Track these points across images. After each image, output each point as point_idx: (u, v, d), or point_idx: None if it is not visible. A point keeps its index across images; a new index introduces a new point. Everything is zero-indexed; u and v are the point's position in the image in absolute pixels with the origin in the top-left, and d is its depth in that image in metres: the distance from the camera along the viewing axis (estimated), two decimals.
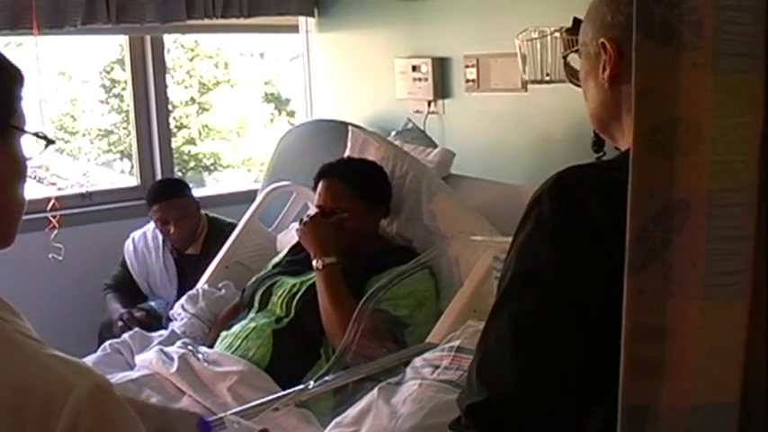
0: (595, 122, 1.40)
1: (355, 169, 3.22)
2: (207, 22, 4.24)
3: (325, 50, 4.69)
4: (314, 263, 2.94)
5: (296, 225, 3.61)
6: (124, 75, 4.86)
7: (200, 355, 2.86)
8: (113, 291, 3.88)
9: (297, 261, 3.19)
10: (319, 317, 2.86)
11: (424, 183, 3.25)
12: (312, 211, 3.18)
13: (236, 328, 3.01)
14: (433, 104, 4.13)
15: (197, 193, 4.15)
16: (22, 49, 4.41)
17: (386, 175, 3.23)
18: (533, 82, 3.39)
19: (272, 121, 6.78)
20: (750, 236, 1.02)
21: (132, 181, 4.65)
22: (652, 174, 1.01)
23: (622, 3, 1.27)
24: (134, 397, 2.36)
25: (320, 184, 3.16)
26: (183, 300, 3.45)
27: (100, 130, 6.05)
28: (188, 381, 2.75)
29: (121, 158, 5.82)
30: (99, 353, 3.14)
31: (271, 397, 2.51)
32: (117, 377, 2.78)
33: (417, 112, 4.18)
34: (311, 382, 2.54)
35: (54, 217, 3.74)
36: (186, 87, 6.44)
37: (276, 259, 3.33)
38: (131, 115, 4.54)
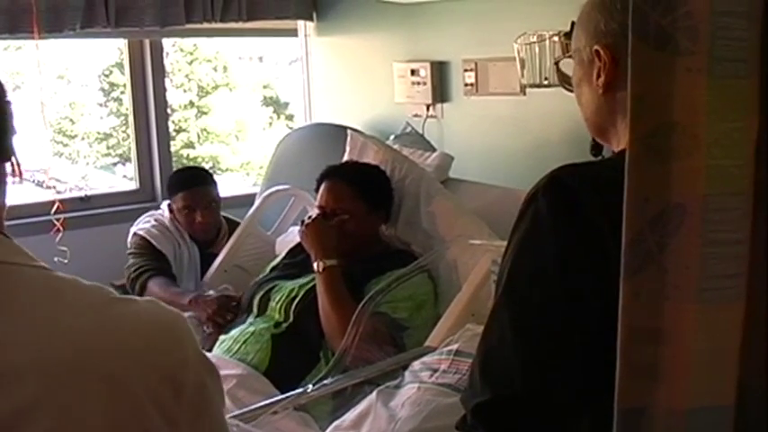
0: (591, 127, 1.41)
1: (358, 172, 3.23)
2: (206, 25, 4.24)
3: (323, 54, 4.70)
4: (314, 265, 2.95)
5: (295, 228, 3.62)
6: (123, 78, 4.87)
7: None
8: (158, 275, 3.57)
9: (294, 264, 3.20)
10: (318, 320, 2.86)
11: (423, 186, 3.26)
12: (313, 212, 3.18)
13: (234, 332, 3.01)
14: (431, 108, 4.14)
15: None
16: (21, 53, 4.42)
17: (388, 180, 3.24)
18: (532, 86, 3.40)
19: (270, 124, 6.80)
20: (745, 240, 1.03)
21: (131, 184, 4.66)
22: (648, 178, 1.01)
23: (615, 10, 1.28)
24: None
25: (323, 185, 3.17)
26: None
27: (99, 133, 6.06)
28: None
29: (123, 163, 5.83)
30: None
31: (270, 400, 2.51)
32: None
33: (416, 115, 4.18)
34: (310, 386, 2.54)
35: (58, 220, 3.73)
36: (185, 91, 6.46)
37: (274, 262, 3.34)
38: (130, 119, 4.55)
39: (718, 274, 1.02)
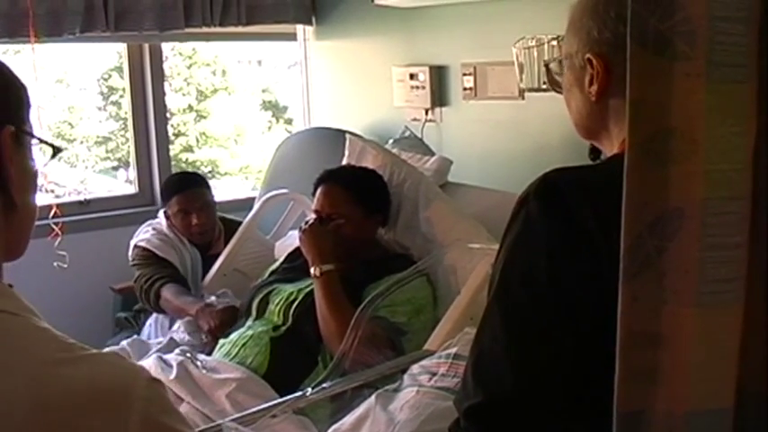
0: (581, 131, 1.41)
1: (355, 176, 3.23)
2: (205, 29, 4.25)
3: (322, 58, 4.70)
4: (312, 270, 2.95)
5: (294, 232, 3.62)
6: (122, 82, 4.88)
7: (198, 363, 2.86)
8: (170, 282, 3.56)
9: (293, 268, 3.20)
10: (317, 324, 2.86)
11: (422, 191, 3.26)
12: (310, 217, 3.19)
13: (234, 335, 3.01)
14: (430, 112, 4.15)
15: None
16: (20, 57, 4.42)
17: (385, 184, 3.24)
18: (530, 90, 3.41)
19: (269, 128, 6.80)
20: (744, 244, 1.03)
21: (130, 188, 4.66)
22: (646, 182, 1.01)
23: (609, 18, 1.27)
24: None
25: (319, 190, 3.17)
26: None
27: (98, 137, 6.06)
28: (187, 388, 2.75)
29: (126, 168, 5.83)
30: None
31: (269, 404, 2.51)
32: None
33: (415, 119, 4.19)
34: (309, 389, 2.54)
35: (57, 225, 3.73)
36: (184, 95, 6.46)
37: (273, 266, 3.34)
38: (129, 122, 4.55)
39: (717, 278, 1.02)
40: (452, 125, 4.11)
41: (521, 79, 3.38)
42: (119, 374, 1.04)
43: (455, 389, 2.29)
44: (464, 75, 3.98)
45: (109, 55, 5.55)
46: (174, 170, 4.62)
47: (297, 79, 4.89)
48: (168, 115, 4.87)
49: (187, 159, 6.45)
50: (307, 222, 3.13)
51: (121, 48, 4.51)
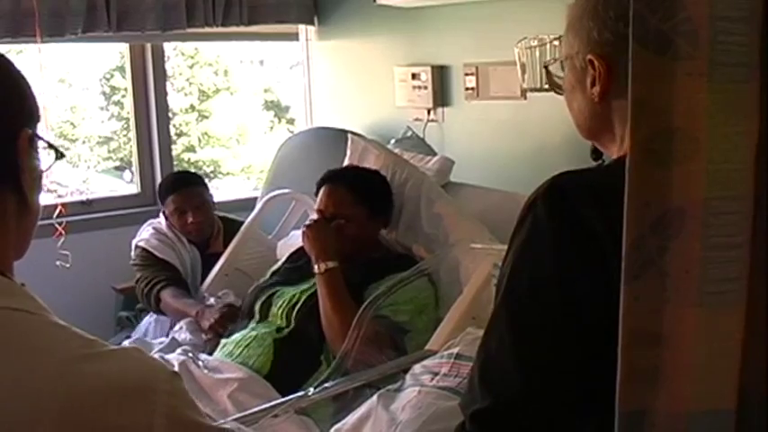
0: (583, 132, 1.40)
1: (358, 176, 3.23)
2: (207, 29, 4.25)
3: (324, 58, 4.70)
4: (315, 267, 2.95)
5: (296, 232, 3.62)
6: (124, 82, 4.87)
7: (200, 362, 2.87)
8: (170, 285, 3.59)
9: (295, 269, 3.20)
10: (319, 325, 2.87)
11: (424, 191, 3.26)
12: (313, 215, 3.19)
13: (236, 336, 3.01)
14: (432, 112, 4.15)
15: None
16: (22, 57, 4.42)
17: (389, 186, 3.24)
18: (532, 90, 3.41)
19: (271, 128, 6.79)
20: (745, 243, 1.03)
21: (132, 188, 4.66)
22: (648, 182, 1.01)
23: (609, 19, 1.27)
24: None
25: (322, 190, 3.17)
26: None
27: (100, 137, 6.06)
28: (188, 387, 2.74)
29: (130, 168, 5.83)
30: None
31: (271, 404, 2.51)
32: None
33: (417, 120, 4.19)
34: (311, 389, 2.54)
35: (60, 224, 3.73)
36: (186, 95, 6.45)
37: (275, 267, 3.34)
38: (132, 122, 4.55)
39: (719, 278, 1.02)
40: (454, 125, 4.11)
41: (523, 79, 3.38)
42: (143, 369, 1.06)
43: (457, 389, 2.29)
44: (466, 75, 3.98)
45: (111, 55, 5.54)
46: (176, 170, 4.62)
47: (299, 79, 4.90)
48: (170, 115, 4.87)
49: (189, 159, 6.44)
50: (311, 220, 3.14)
51: (124, 48, 4.51)
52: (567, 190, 1.21)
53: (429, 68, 4.11)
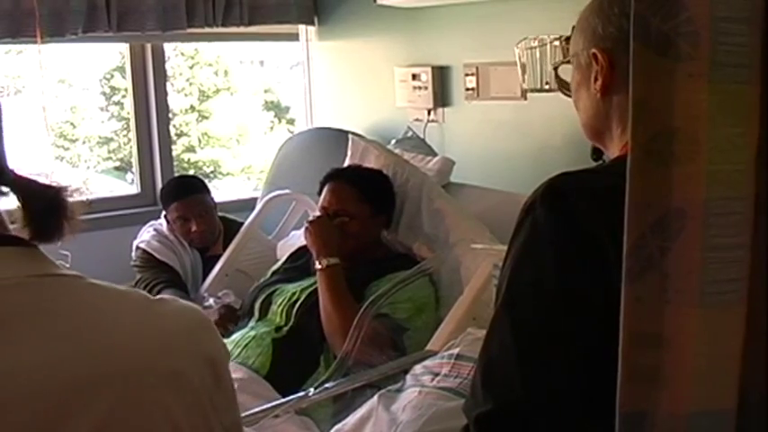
0: (588, 132, 1.41)
1: (362, 176, 3.25)
2: (207, 30, 4.24)
3: (325, 59, 4.70)
4: (316, 263, 2.95)
5: (296, 233, 3.62)
6: (124, 82, 4.87)
7: None
8: (169, 287, 3.58)
9: (296, 267, 3.20)
10: (319, 324, 2.87)
11: (425, 191, 3.26)
12: (317, 213, 3.19)
13: (236, 335, 3.01)
14: (432, 113, 4.14)
15: None
16: (22, 57, 4.43)
17: (392, 186, 3.25)
18: (533, 90, 3.40)
19: (271, 128, 6.79)
20: (746, 244, 1.03)
21: (132, 189, 4.66)
22: (649, 183, 1.01)
23: (612, 14, 1.29)
24: None
25: (326, 187, 3.18)
26: None
27: (100, 137, 6.06)
28: None
29: (131, 169, 5.83)
30: None
31: (271, 404, 2.51)
32: None
33: (417, 120, 4.19)
34: (311, 389, 2.54)
35: None
36: (186, 95, 6.46)
37: (275, 266, 3.34)
38: (132, 123, 4.55)
39: (720, 279, 1.02)
40: (455, 125, 4.11)
41: (523, 80, 3.38)
42: (194, 309, 1.18)
43: (457, 389, 2.29)
44: (466, 75, 3.98)
45: (111, 55, 5.54)
46: (176, 171, 4.62)
47: (299, 80, 4.89)
48: (170, 115, 4.86)
49: (189, 160, 6.44)
50: (314, 216, 3.14)
51: (124, 48, 4.51)
52: (566, 191, 1.21)
53: (429, 69, 4.11)
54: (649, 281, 1.02)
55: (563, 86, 1.54)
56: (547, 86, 3.24)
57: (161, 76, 4.52)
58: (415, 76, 4.17)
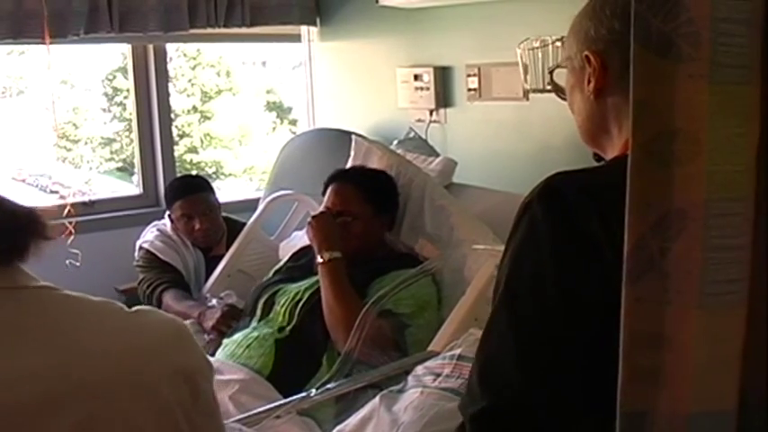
0: (584, 135, 1.42)
1: (367, 176, 3.25)
2: (209, 30, 4.25)
3: (327, 59, 4.70)
4: (318, 258, 2.96)
5: (298, 233, 3.63)
6: (126, 83, 4.88)
7: None
8: (172, 287, 3.61)
9: (298, 267, 3.21)
10: (322, 324, 2.86)
11: (427, 192, 3.26)
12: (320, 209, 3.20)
13: (238, 336, 3.01)
14: (434, 113, 4.15)
15: None
16: (24, 58, 4.43)
17: (395, 187, 3.25)
18: (535, 91, 3.41)
19: (274, 129, 6.80)
20: (747, 245, 1.03)
21: (135, 189, 4.67)
22: (650, 183, 1.01)
23: (604, 17, 1.30)
24: None
25: (330, 187, 3.18)
26: None
27: (102, 138, 6.07)
28: None
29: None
30: None
31: (273, 404, 2.52)
32: None
33: (419, 120, 4.19)
34: (313, 390, 2.54)
35: (70, 223, 3.75)
36: (188, 96, 6.47)
37: (277, 266, 3.35)
38: (134, 123, 4.55)
39: (720, 280, 1.02)
40: (457, 126, 4.11)
41: (525, 80, 3.38)
42: (173, 318, 1.18)
43: (459, 390, 2.30)
44: (468, 76, 3.98)
45: (113, 56, 5.55)
46: (178, 171, 4.62)
47: (301, 80, 4.90)
48: (172, 116, 4.87)
49: (191, 160, 6.45)
50: (316, 212, 3.15)
51: (126, 49, 4.51)
52: (562, 190, 1.21)
53: (431, 69, 4.11)
54: (650, 281, 1.02)
55: (558, 90, 1.56)
56: (548, 87, 3.24)
57: (163, 77, 4.52)
58: (417, 77, 4.17)
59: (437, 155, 3.83)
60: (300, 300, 2.99)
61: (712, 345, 1.03)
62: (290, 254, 3.39)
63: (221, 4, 4.19)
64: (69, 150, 5.88)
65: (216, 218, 3.80)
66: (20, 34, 3.66)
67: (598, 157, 1.45)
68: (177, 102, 6.08)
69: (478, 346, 1.25)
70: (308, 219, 3.13)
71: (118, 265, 3.98)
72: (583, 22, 1.35)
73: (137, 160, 4.58)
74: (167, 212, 3.80)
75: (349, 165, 3.47)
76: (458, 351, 2.47)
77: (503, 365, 1.20)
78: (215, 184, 3.87)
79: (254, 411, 2.44)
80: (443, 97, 4.12)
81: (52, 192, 5.20)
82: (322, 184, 3.23)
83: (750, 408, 1.07)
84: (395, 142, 4.02)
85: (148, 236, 3.77)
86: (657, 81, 1.01)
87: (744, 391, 1.06)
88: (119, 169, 6.09)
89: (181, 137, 6.21)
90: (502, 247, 1.28)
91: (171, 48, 4.91)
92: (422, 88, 4.15)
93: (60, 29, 3.75)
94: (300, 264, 3.21)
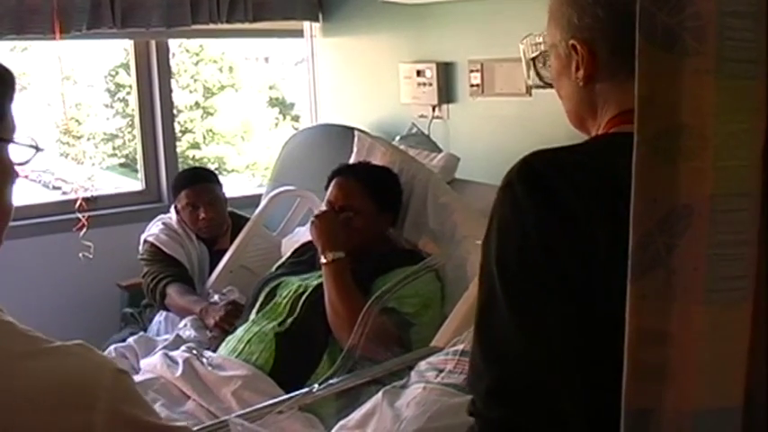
0: (572, 119, 1.44)
1: (370, 172, 3.25)
2: (212, 26, 4.24)
3: (329, 55, 4.70)
4: (321, 257, 2.95)
5: (301, 229, 3.62)
6: (129, 79, 4.88)
7: (204, 360, 2.87)
8: (176, 281, 3.62)
9: (301, 262, 3.21)
10: (323, 320, 2.86)
11: (430, 187, 3.26)
12: (323, 207, 3.20)
13: (239, 331, 3.01)
14: (437, 109, 4.14)
15: None
16: (27, 54, 4.43)
17: (399, 182, 3.25)
18: (538, 87, 3.38)
19: (276, 125, 6.80)
20: (753, 241, 1.02)
21: (137, 185, 4.67)
22: (655, 179, 1.01)
23: (587, 4, 1.31)
24: None
25: (333, 182, 3.19)
26: None
27: (104, 134, 6.07)
28: (192, 385, 2.75)
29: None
30: None
31: (275, 400, 2.52)
32: None
33: (422, 116, 4.18)
34: (315, 386, 2.54)
35: (84, 217, 3.78)
36: (191, 92, 6.47)
37: (280, 261, 3.35)
38: (136, 119, 4.55)
39: (726, 276, 1.02)
40: (459, 122, 4.10)
41: (528, 76, 3.37)
42: (84, 367, 1.03)
43: (462, 385, 2.29)
44: (471, 71, 3.98)
45: (116, 52, 5.55)
46: (180, 167, 4.62)
47: (304, 76, 4.90)
48: (175, 112, 4.87)
49: (194, 156, 6.46)
50: (320, 210, 3.15)
51: (128, 44, 4.51)
52: (541, 169, 1.22)
53: (434, 65, 4.10)
54: (655, 278, 1.02)
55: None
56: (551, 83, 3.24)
57: (166, 73, 4.52)
58: (419, 73, 4.17)
59: (440, 150, 3.83)
60: (303, 292, 2.98)
61: (718, 342, 1.03)
62: (292, 250, 3.39)
63: (224, 0, 4.19)
64: (72, 146, 5.88)
65: (221, 210, 3.81)
66: (23, 30, 3.66)
67: None
68: (180, 98, 6.08)
69: (474, 327, 1.24)
70: (312, 218, 3.12)
71: (120, 260, 3.98)
72: (563, 9, 1.36)
73: (139, 156, 4.58)
74: (173, 205, 3.81)
75: (352, 161, 3.47)
76: (461, 347, 2.47)
77: (503, 335, 1.19)
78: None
79: (257, 407, 2.44)
80: (446, 93, 4.12)
81: (55, 188, 5.20)
82: (325, 180, 3.23)
83: (756, 404, 1.07)
84: (397, 138, 4.02)
85: (153, 229, 3.78)
86: (663, 76, 1.00)
87: (749, 387, 1.06)
88: (121, 165, 6.09)
89: (183, 133, 6.22)
90: None
91: (173, 43, 4.90)
92: (424, 84, 4.15)
93: (63, 24, 3.74)
94: (303, 259, 3.21)
